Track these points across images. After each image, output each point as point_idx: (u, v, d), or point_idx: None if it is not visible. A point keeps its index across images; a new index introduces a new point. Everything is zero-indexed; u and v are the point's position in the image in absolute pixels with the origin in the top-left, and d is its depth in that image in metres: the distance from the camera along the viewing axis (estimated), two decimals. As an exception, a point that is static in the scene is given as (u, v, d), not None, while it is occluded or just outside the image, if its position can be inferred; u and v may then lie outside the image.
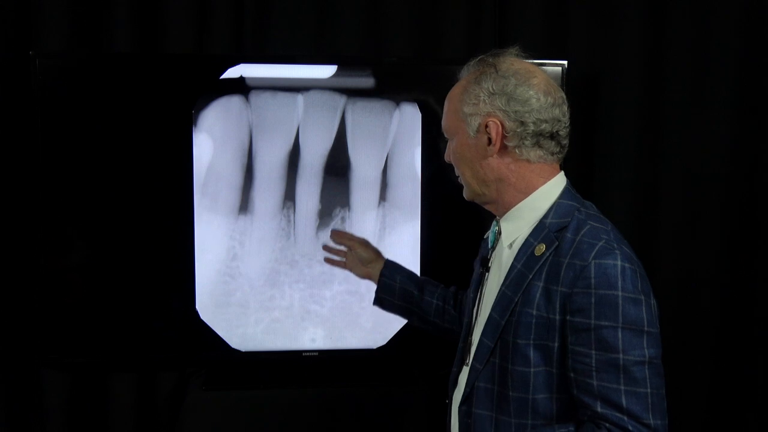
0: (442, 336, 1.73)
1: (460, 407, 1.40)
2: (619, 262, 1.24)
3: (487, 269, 1.44)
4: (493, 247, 1.44)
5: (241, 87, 2.04)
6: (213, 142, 2.05)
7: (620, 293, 1.23)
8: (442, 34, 2.29)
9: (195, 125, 2.03)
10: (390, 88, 2.09)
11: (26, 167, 2.10)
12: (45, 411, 2.20)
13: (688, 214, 2.39)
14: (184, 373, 2.24)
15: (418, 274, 2.11)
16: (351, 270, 1.81)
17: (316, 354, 2.13)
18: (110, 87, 2.02)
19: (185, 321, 2.08)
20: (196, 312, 2.08)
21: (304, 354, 2.12)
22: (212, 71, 2.03)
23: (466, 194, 1.44)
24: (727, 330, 2.42)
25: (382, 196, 2.11)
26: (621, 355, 1.22)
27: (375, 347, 2.14)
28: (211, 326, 2.09)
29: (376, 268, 1.76)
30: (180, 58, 2.11)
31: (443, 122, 1.45)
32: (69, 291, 2.06)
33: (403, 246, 2.12)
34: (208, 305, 2.09)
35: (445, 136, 1.45)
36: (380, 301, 1.75)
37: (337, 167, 2.09)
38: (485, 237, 1.49)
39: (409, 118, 2.10)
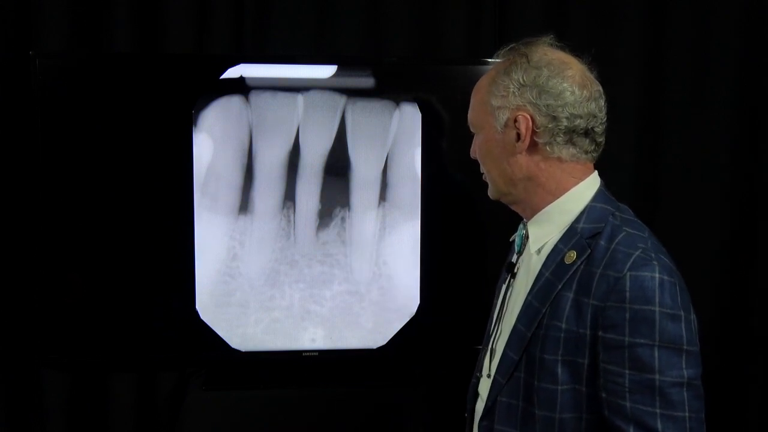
0: None
1: (480, 422, 1.32)
2: (657, 275, 1.15)
3: (513, 275, 1.35)
4: (520, 252, 1.36)
5: (241, 87, 2.03)
6: (213, 142, 2.04)
7: (657, 308, 1.14)
8: (442, 34, 2.29)
9: (195, 125, 2.03)
10: (390, 88, 2.09)
11: (26, 167, 2.10)
12: (45, 411, 2.19)
13: (688, 214, 2.38)
14: (184, 373, 2.24)
15: (418, 274, 2.14)
16: None
17: (316, 354, 2.12)
18: (110, 87, 2.02)
19: (185, 321, 2.08)
20: (196, 312, 2.08)
21: (304, 354, 2.12)
22: (212, 71, 2.03)
23: (491, 193, 1.36)
24: (727, 330, 2.42)
25: (382, 196, 2.11)
26: (657, 376, 1.14)
27: (375, 347, 2.14)
28: (211, 326, 2.08)
29: None
30: (180, 58, 2.11)
31: (469, 115, 1.36)
32: (69, 291, 2.06)
33: (403, 246, 2.12)
34: (208, 305, 2.09)
35: (471, 130, 1.36)
36: None
37: (337, 167, 2.09)
38: (512, 239, 1.41)
39: (409, 118, 2.10)
